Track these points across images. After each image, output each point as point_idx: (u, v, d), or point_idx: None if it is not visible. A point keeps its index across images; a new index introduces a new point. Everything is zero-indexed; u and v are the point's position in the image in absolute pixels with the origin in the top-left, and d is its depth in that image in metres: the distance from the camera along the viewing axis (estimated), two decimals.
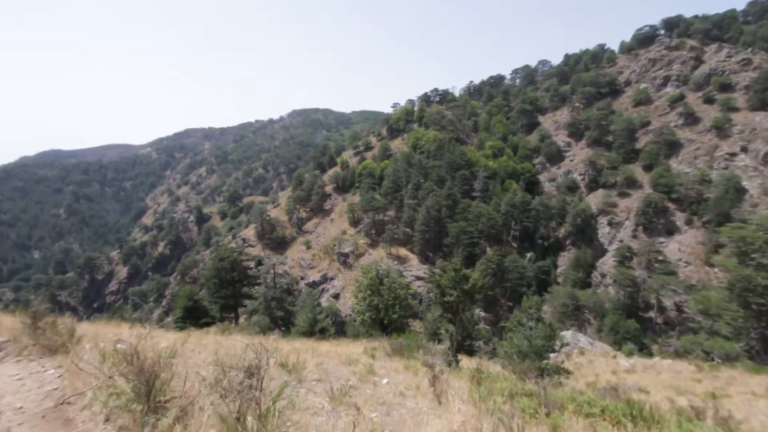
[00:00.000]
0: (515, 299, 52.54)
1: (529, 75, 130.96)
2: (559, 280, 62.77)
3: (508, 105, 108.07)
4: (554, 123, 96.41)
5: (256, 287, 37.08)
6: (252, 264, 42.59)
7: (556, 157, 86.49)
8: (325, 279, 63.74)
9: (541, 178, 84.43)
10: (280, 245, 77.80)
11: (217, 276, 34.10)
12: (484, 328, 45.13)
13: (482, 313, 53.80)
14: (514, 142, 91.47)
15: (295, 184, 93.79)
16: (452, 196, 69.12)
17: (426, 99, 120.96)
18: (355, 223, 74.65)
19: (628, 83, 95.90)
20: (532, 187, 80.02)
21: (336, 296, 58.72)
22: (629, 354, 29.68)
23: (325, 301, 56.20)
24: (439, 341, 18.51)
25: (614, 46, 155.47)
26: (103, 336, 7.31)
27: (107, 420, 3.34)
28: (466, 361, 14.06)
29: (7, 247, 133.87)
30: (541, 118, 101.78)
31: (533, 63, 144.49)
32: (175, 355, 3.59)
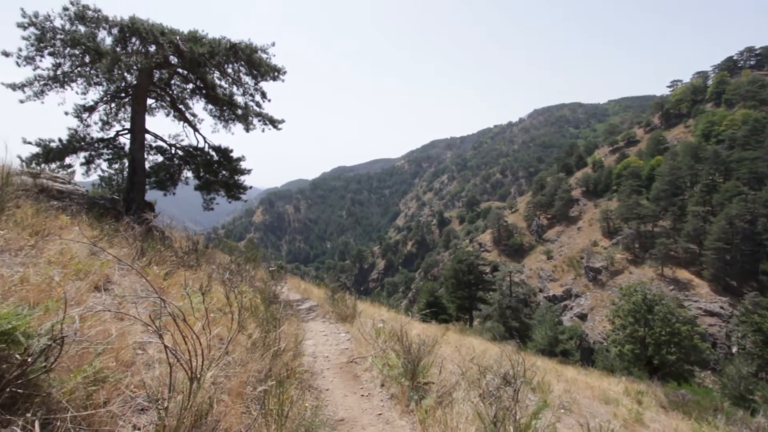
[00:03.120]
0: None
1: None
2: None
3: None
4: None
5: (491, 293, 37.76)
6: (488, 269, 43.61)
7: None
8: (568, 295, 57.40)
9: None
10: (517, 252, 75.94)
11: (454, 277, 36.94)
12: None
13: None
14: None
15: (535, 189, 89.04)
16: None
17: (730, 66, 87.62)
18: (610, 233, 63.93)
19: None
20: None
21: (582, 317, 51.85)
22: None
23: (567, 320, 50.93)
24: (752, 411, 12.91)
25: None
26: (370, 314, 9.13)
27: (382, 385, 4.11)
28: None
29: (313, 238, 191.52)
30: None
31: None
32: (436, 345, 4.11)
